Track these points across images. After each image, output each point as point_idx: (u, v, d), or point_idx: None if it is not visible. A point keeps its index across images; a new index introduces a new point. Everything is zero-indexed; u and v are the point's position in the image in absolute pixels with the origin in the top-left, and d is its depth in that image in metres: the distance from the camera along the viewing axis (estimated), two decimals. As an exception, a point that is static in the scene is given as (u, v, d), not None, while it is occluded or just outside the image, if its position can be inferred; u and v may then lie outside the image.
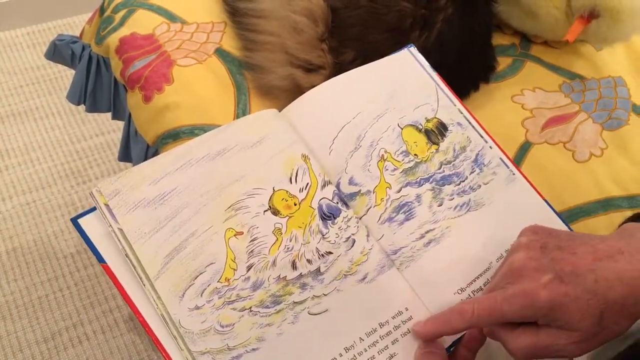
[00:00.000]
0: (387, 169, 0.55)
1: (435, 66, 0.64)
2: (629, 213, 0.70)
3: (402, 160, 0.56)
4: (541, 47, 0.86)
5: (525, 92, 0.79)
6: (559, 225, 0.58)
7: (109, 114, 1.54)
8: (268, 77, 0.72)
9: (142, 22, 0.81)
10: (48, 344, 1.18)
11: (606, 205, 0.69)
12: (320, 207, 0.52)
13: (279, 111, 0.57)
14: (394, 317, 0.49)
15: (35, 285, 1.26)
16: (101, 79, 0.90)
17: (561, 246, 0.45)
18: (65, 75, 1.69)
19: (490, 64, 0.78)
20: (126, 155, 0.88)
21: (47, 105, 1.62)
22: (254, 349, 0.45)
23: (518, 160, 0.72)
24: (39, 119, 1.58)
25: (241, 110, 0.73)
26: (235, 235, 0.48)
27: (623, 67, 0.86)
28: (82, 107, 1.58)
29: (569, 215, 0.68)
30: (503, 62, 0.82)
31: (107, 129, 1.58)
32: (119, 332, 1.21)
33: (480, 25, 0.76)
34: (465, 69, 0.74)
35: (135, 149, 0.84)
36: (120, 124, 1.57)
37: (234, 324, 0.46)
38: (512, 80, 0.81)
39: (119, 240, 0.46)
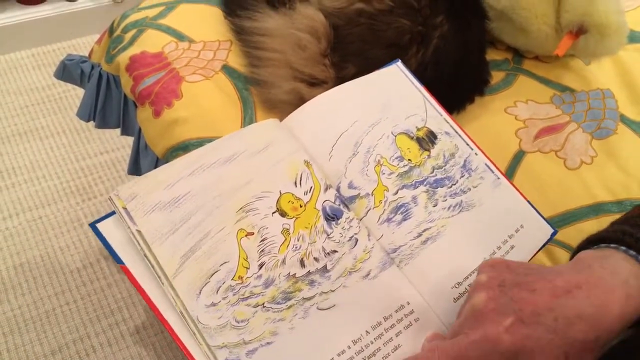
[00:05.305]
0: (383, 173, 0.58)
1: (432, 80, 0.68)
2: (618, 217, 0.72)
3: (398, 164, 0.59)
4: (533, 61, 0.89)
5: (518, 104, 0.82)
6: (542, 225, 0.61)
7: (114, 133, 1.60)
8: (273, 91, 0.76)
9: (151, 41, 0.85)
10: (55, 357, 1.20)
11: (597, 209, 0.73)
12: (324, 209, 0.55)
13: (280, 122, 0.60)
14: (396, 311, 0.52)
15: (43, 300, 1.28)
16: (111, 96, 0.93)
17: (519, 282, 0.45)
18: (70, 96, 1.73)
19: (484, 78, 0.81)
20: (136, 168, 0.91)
21: (52, 124, 1.65)
22: (268, 343, 0.48)
23: (512, 168, 0.75)
24: (45, 137, 1.62)
25: (247, 123, 0.76)
26: (246, 236, 0.51)
27: (611, 79, 0.89)
28: (87, 126, 1.62)
29: (561, 220, 0.71)
30: (497, 76, 0.85)
31: (111, 147, 1.61)
32: (125, 345, 1.23)
33: (474, 41, 0.79)
34: (461, 83, 0.78)
35: (144, 162, 0.87)
36: (125, 142, 1.61)
37: (248, 319, 0.48)
38: (506, 93, 0.84)
39: (138, 242, 0.48)
